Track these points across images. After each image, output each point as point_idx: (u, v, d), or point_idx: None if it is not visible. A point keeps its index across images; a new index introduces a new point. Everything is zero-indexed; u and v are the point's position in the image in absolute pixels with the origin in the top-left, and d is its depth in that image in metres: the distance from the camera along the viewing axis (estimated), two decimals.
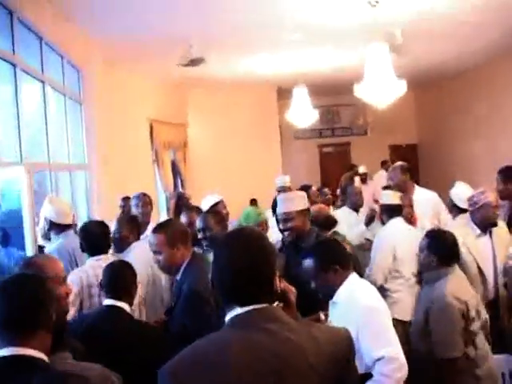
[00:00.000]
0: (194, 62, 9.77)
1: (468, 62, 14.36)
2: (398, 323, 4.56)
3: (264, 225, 6.41)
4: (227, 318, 2.13)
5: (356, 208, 7.88)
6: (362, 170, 15.28)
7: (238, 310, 2.10)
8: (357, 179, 13.87)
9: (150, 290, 5.38)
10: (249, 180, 14.86)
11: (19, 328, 2.26)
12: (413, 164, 19.12)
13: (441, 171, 17.86)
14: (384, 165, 17.01)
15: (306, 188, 8.51)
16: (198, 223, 5.31)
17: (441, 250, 4.58)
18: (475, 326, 4.31)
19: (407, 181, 7.06)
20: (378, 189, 9.66)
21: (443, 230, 4.99)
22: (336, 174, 17.54)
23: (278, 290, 2.30)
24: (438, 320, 4.30)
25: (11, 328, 2.26)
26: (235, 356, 1.98)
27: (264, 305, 2.12)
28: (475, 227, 5.37)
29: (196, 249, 4.99)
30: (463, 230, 5.34)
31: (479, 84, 15.57)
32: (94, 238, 5.12)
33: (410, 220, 6.03)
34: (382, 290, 5.20)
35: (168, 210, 12.23)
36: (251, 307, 2.10)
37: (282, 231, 4.98)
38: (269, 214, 7.45)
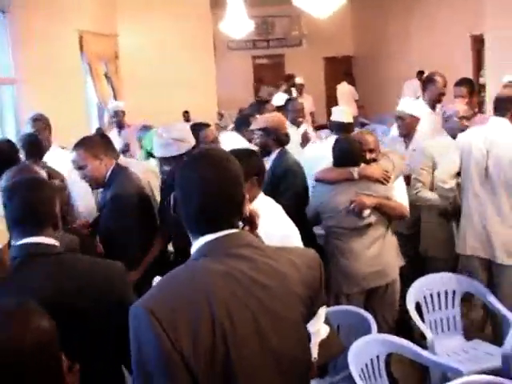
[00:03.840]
0: None
1: None
2: None
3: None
4: (195, 246, 1.99)
5: (298, 124, 7.46)
6: (299, 80, 15.08)
7: (209, 237, 1.96)
8: (293, 90, 13.67)
9: None
10: (182, 92, 14.53)
11: (34, 222, 2.55)
12: (347, 76, 19.15)
13: (376, 84, 17.87)
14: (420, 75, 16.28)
15: (261, 103, 8.18)
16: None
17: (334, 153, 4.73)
18: None
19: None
20: None
21: (346, 138, 5.00)
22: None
23: (247, 214, 2.17)
24: None
25: (27, 222, 2.54)
26: (218, 286, 1.86)
27: (235, 230, 2.01)
28: (450, 138, 5.26)
29: None
30: (444, 142, 5.26)
31: None
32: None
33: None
34: None
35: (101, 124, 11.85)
36: (222, 233, 1.97)
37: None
38: None
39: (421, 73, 14.87)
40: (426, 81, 6.97)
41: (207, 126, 5.61)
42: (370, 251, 4.64)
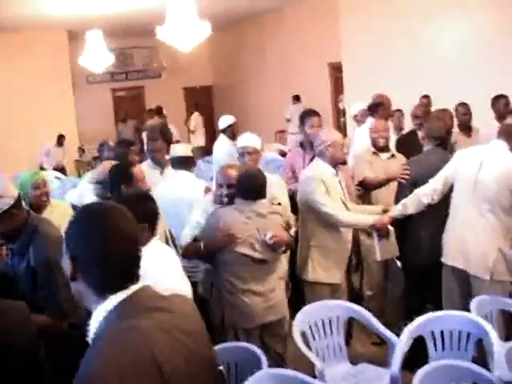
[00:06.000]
0: None
1: (263, 5, 14.46)
2: None
3: (43, 185, 5.18)
4: (107, 306, 1.90)
5: (161, 165, 6.66)
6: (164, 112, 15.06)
7: (123, 294, 1.91)
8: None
9: None
10: (42, 129, 14.18)
11: None
12: (208, 106, 19.28)
13: (236, 112, 18.00)
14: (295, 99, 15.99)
15: (128, 144, 7.56)
16: None
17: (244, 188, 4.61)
18: None
19: None
20: None
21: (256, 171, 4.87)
22: (131, 119, 17.28)
23: None
24: None
25: None
26: (158, 344, 1.84)
27: (141, 284, 1.98)
28: (329, 167, 5.32)
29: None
30: (323, 170, 5.26)
31: (273, 28, 15.79)
32: None
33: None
34: None
35: None
36: (134, 289, 1.94)
37: None
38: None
39: (296, 97, 15.23)
40: (374, 106, 7.28)
41: None
42: (266, 286, 4.65)
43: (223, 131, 8.21)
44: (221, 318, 4.56)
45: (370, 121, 6.80)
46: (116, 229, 1.92)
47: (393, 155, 6.12)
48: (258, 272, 4.62)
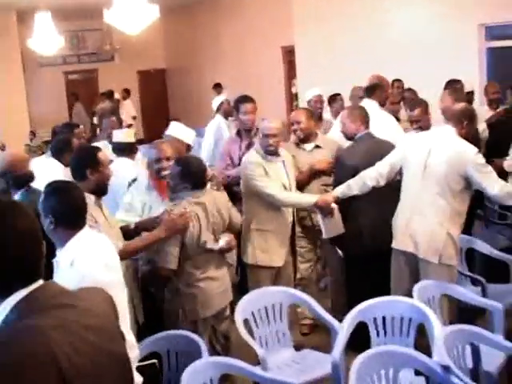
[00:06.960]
0: None
1: None
2: None
3: None
4: (7, 304, 1.83)
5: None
6: (116, 96, 14.88)
7: (23, 292, 1.84)
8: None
9: None
10: None
11: None
12: (161, 89, 19.09)
13: (193, 96, 17.92)
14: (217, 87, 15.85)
15: (72, 127, 7.58)
16: None
17: (193, 177, 4.53)
18: None
19: None
20: None
21: (193, 157, 4.90)
22: (84, 103, 17.03)
23: None
24: None
25: None
26: (58, 343, 1.76)
27: (42, 281, 1.90)
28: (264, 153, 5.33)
29: None
30: (263, 155, 5.32)
31: (228, 11, 15.69)
32: None
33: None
34: None
35: None
36: (35, 286, 1.86)
37: None
38: None
39: (217, 85, 15.11)
40: (371, 88, 6.85)
41: None
42: (220, 272, 4.66)
43: (217, 111, 8.63)
44: (182, 312, 4.47)
45: (367, 102, 6.48)
46: (12, 228, 1.85)
47: (317, 146, 5.93)
48: (214, 258, 4.62)
